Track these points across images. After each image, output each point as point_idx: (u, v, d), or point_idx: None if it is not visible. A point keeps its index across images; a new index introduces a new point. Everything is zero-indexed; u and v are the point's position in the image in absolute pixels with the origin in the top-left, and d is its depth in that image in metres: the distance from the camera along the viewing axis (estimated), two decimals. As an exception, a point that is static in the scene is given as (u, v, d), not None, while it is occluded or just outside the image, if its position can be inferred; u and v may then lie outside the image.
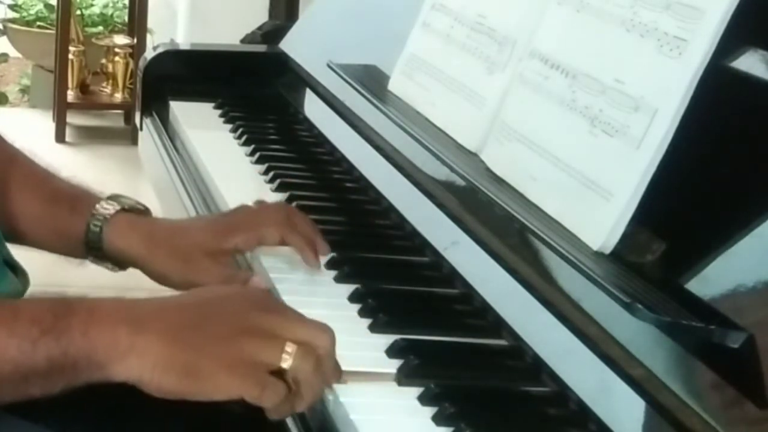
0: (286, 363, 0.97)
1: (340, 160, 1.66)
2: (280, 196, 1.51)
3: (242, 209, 1.33)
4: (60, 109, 4.60)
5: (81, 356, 0.97)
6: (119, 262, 1.32)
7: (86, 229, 1.30)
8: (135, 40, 4.67)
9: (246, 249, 1.29)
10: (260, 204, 1.35)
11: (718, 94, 1.06)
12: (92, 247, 1.31)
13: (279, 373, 0.97)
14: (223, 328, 0.99)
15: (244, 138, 1.77)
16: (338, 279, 1.26)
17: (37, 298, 1.05)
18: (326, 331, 1.00)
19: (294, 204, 1.48)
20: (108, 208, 1.30)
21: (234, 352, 0.97)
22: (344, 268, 1.28)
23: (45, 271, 1.37)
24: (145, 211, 1.34)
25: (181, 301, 1.06)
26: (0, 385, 0.98)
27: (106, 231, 1.29)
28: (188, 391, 0.97)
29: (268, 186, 1.57)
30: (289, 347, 0.97)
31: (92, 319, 0.98)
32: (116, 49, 4.69)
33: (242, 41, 2.25)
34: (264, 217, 1.30)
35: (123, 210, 1.31)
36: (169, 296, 1.08)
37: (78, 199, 1.34)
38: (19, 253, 1.32)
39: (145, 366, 0.97)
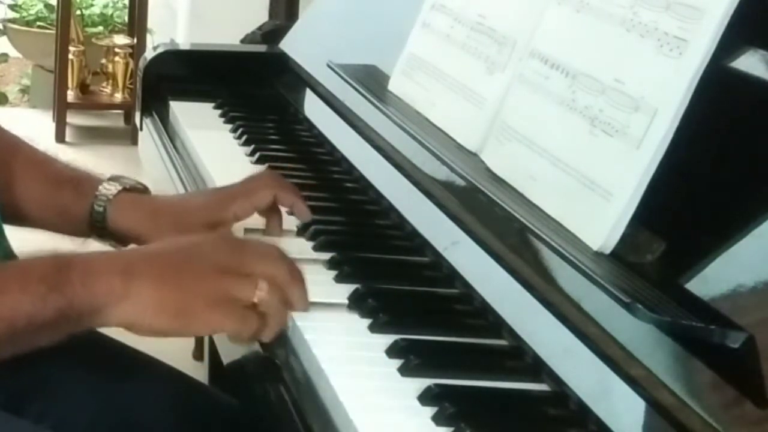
0: (257, 297, 1.08)
1: (340, 160, 1.66)
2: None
3: (234, 183, 1.41)
4: (60, 109, 4.60)
5: (84, 305, 1.06)
6: (121, 240, 1.37)
7: (90, 210, 1.36)
8: (135, 40, 4.67)
9: (244, 216, 1.35)
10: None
11: (718, 94, 1.06)
12: (96, 227, 1.37)
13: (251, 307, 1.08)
14: (201, 268, 1.08)
15: (244, 138, 1.77)
16: (338, 279, 1.26)
17: (38, 256, 1.11)
18: (284, 261, 1.12)
19: (294, 204, 1.48)
20: (110, 189, 1.37)
21: (215, 290, 1.07)
22: (344, 268, 1.27)
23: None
24: (144, 190, 1.41)
25: (163, 248, 1.14)
26: (14, 338, 1.05)
27: (110, 210, 1.36)
28: (178, 328, 1.07)
29: (269, 186, 1.57)
30: (260, 283, 1.08)
31: (90, 271, 1.07)
32: (116, 49, 4.69)
33: (242, 41, 2.25)
34: (255, 183, 1.38)
35: (125, 189, 1.38)
36: (150, 245, 1.19)
37: (80, 181, 1.40)
38: (17, 247, 1.33)
39: (138, 309, 1.06)
